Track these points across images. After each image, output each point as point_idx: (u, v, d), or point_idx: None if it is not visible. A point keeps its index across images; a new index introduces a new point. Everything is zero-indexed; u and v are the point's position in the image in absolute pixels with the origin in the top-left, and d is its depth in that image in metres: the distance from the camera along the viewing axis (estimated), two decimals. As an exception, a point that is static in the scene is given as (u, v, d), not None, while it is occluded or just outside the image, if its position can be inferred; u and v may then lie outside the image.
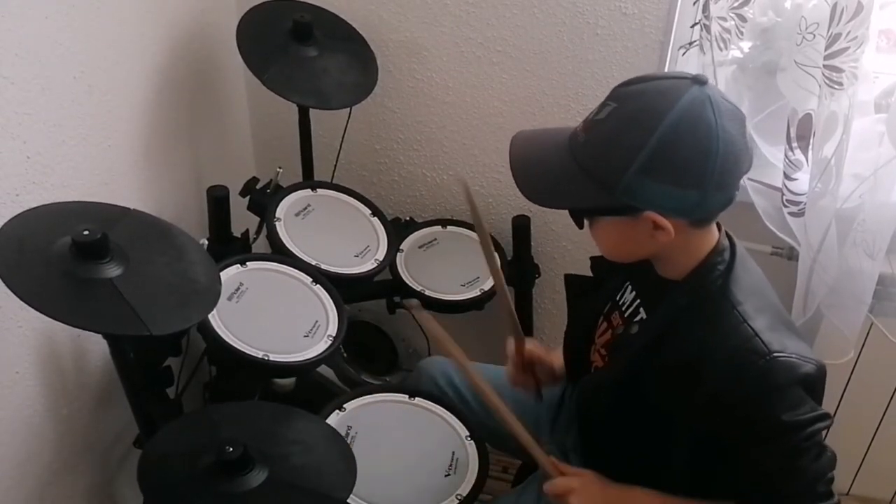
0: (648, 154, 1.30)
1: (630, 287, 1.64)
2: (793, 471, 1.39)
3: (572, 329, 1.81)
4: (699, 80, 1.33)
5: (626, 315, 1.62)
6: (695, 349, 1.41)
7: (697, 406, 1.40)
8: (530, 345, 1.83)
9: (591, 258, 1.75)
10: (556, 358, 1.86)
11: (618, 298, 1.66)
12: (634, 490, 1.57)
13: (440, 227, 2.45)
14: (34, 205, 1.54)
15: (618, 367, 1.58)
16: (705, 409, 1.39)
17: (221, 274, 1.81)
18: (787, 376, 1.36)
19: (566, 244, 2.49)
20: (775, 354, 1.36)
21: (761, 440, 1.39)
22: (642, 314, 1.58)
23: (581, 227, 1.48)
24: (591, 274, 1.78)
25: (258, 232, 2.21)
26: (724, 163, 1.32)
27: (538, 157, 1.44)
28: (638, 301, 1.60)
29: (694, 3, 2.00)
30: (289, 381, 2.04)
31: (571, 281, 1.83)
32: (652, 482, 1.54)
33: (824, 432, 1.41)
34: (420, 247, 2.37)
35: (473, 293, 2.23)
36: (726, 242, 1.48)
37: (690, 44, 2.05)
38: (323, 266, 2.03)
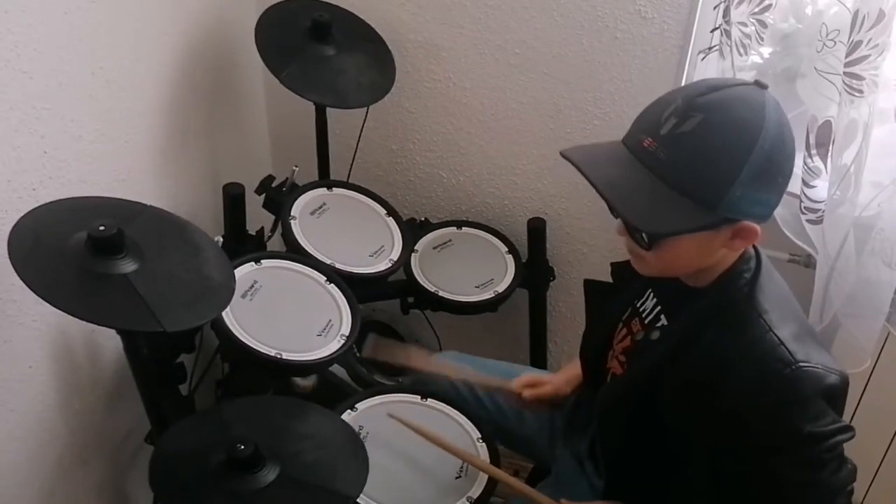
0: (754, 167, 1.27)
1: (651, 294, 1.63)
2: (813, 483, 1.38)
3: (590, 334, 1.80)
4: (762, 85, 1.33)
5: (646, 322, 1.61)
6: (719, 356, 1.40)
7: (719, 414, 1.38)
8: (526, 392, 1.88)
9: (612, 264, 1.74)
10: (561, 379, 1.89)
11: (638, 305, 1.65)
12: None
13: (455, 228, 2.44)
14: (51, 199, 1.55)
15: (638, 373, 1.57)
16: (727, 416, 1.38)
17: (236, 271, 1.81)
18: (812, 387, 1.35)
19: (581, 247, 2.48)
20: (801, 364, 1.34)
21: (783, 451, 1.37)
22: (663, 321, 1.57)
23: (649, 248, 1.39)
24: (608, 279, 1.77)
25: (273, 230, 2.22)
26: (794, 161, 1.35)
27: (618, 178, 1.33)
28: (659, 308, 1.59)
29: (714, 8, 1.99)
30: (309, 382, 2.04)
31: (591, 286, 1.82)
32: (669, 493, 1.53)
33: (844, 445, 1.40)
34: (435, 247, 2.37)
35: (487, 295, 2.23)
36: (752, 251, 1.46)
37: (710, 49, 2.05)
38: (337, 265, 2.03)
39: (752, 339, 1.38)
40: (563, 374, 1.90)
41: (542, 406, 1.88)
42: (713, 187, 1.28)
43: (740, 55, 1.93)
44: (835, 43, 1.82)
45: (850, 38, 1.73)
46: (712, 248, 1.38)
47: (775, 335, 1.37)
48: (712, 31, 2.02)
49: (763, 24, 1.92)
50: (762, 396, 1.35)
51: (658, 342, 1.55)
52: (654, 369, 1.50)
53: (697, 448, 1.45)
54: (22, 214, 1.46)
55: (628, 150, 1.35)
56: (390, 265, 2.13)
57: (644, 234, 1.38)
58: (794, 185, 1.98)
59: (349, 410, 1.83)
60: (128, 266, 1.45)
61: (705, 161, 1.28)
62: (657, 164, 1.30)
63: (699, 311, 1.46)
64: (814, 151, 1.93)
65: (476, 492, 1.72)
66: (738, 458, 1.40)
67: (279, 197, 2.16)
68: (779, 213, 2.02)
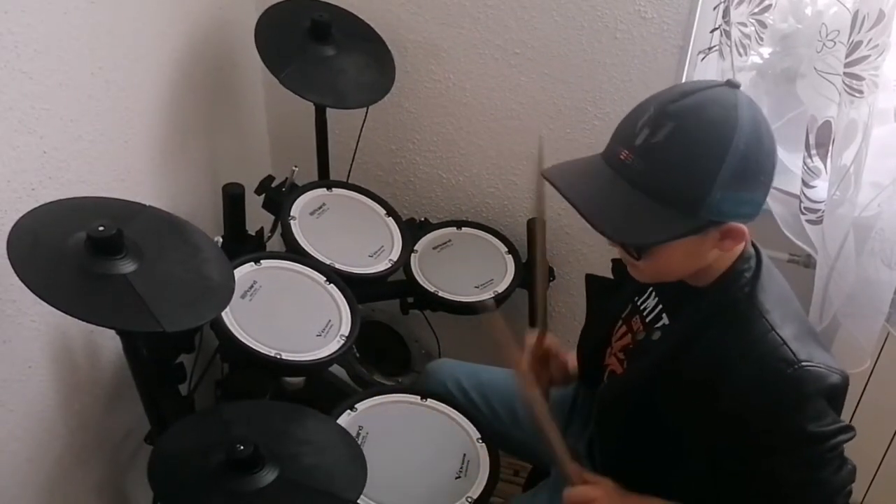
0: (731, 167, 1.27)
1: (653, 293, 1.63)
2: (813, 482, 1.38)
3: (589, 329, 1.80)
4: (734, 85, 1.33)
5: (647, 321, 1.61)
6: (720, 356, 1.40)
7: (720, 413, 1.38)
8: (549, 339, 1.81)
9: (613, 260, 1.74)
10: (571, 357, 1.86)
11: (639, 303, 1.65)
12: (653, 500, 1.55)
13: (455, 228, 2.45)
14: (50, 199, 1.55)
15: (638, 372, 1.57)
16: (729, 416, 1.38)
17: (235, 272, 1.81)
18: (814, 386, 1.35)
19: (581, 247, 2.48)
20: (803, 364, 1.35)
21: (784, 450, 1.37)
22: (665, 320, 1.56)
23: (639, 257, 1.41)
24: (610, 276, 1.77)
25: (273, 230, 2.22)
26: (776, 157, 1.35)
27: (597, 194, 1.34)
28: (661, 307, 1.59)
29: (714, 8, 1.99)
30: (298, 380, 2.04)
31: (592, 281, 1.82)
32: (668, 492, 1.52)
33: (845, 445, 1.40)
34: (434, 248, 2.37)
35: (487, 295, 2.23)
36: (752, 250, 1.46)
37: (710, 49, 2.04)
38: (337, 265, 2.03)
39: (754, 338, 1.38)
40: (573, 360, 1.88)
41: (544, 374, 1.79)
42: (692, 193, 1.29)
43: (740, 55, 1.92)
44: (834, 43, 1.82)
45: (849, 38, 1.73)
46: (702, 251, 1.39)
47: (778, 335, 1.37)
48: (712, 31, 2.02)
49: (763, 25, 1.92)
50: (764, 396, 1.35)
51: (659, 342, 1.55)
52: (654, 369, 1.50)
53: (697, 447, 1.44)
54: (21, 214, 1.46)
55: (607, 165, 1.36)
56: (390, 265, 2.13)
57: (631, 246, 1.40)
58: (794, 186, 1.98)
59: (349, 411, 1.83)
60: (127, 266, 1.44)
61: (681, 168, 1.29)
62: (635, 175, 1.31)
63: (700, 310, 1.46)
64: (813, 152, 1.93)
65: (476, 492, 1.72)
66: (738, 458, 1.40)
67: (279, 197, 2.17)
68: (778, 213, 2.02)
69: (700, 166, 1.28)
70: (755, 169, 1.31)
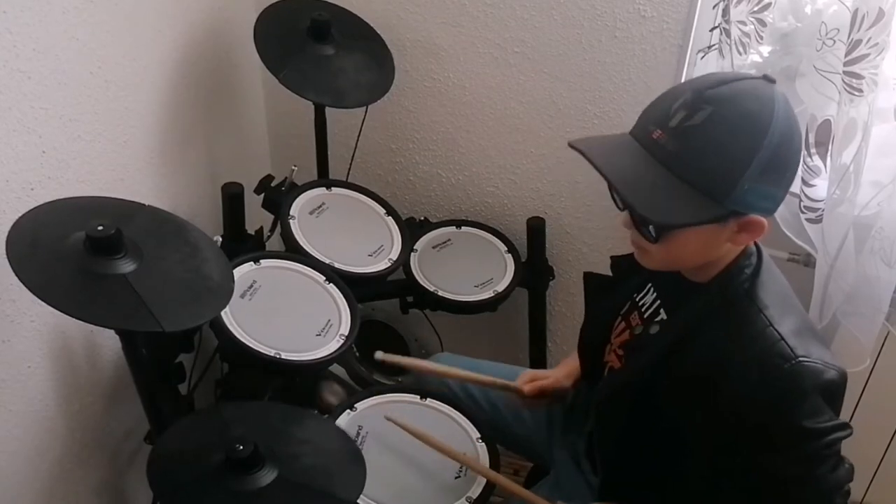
0: (763, 159, 1.27)
1: (651, 288, 1.63)
2: (810, 479, 1.38)
3: (588, 326, 1.80)
4: (771, 80, 1.33)
5: (645, 316, 1.61)
6: (718, 351, 1.40)
7: (718, 409, 1.38)
8: (528, 385, 1.86)
9: (612, 258, 1.74)
10: (560, 373, 1.89)
11: (637, 299, 1.65)
12: None
13: (454, 227, 2.44)
14: (49, 199, 1.55)
15: (636, 367, 1.57)
16: (727, 411, 1.38)
17: (235, 271, 1.81)
18: (812, 382, 1.35)
19: (581, 246, 2.48)
20: (801, 359, 1.34)
21: (781, 446, 1.37)
22: (663, 315, 1.57)
23: (656, 241, 1.39)
24: (608, 274, 1.77)
25: (272, 230, 2.21)
26: (801, 157, 1.37)
27: (628, 168, 1.33)
28: (659, 302, 1.59)
29: (713, 7, 1.99)
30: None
31: (590, 279, 1.82)
32: (665, 488, 1.53)
33: (842, 443, 1.39)
34: (434, 247, 2.37)
35: (486, 294, 2.22)
36: (753, 247, 1.46)
37: (709, 48, 2.04)
38: (336, 265, 2.02)
39: (753, 334, 1.38)
40: (563, 368, 1.90)
41: (543, 400, 1.87)
42: (722, 180, 1.29)
43: (740, 54, 1.92)
44: (834, 42, 1.82)
45: (849, 36, 1.73)
46: (718, 241, 1.38)
47: (776, 330, 1.37)
48: (711, 29, 2.02)
49: (762, 23, 1.92)
50: (762, 391, 1.35)
51: (657, 336, 1.55)
52: (652, 364, 1.50)
53: (695, 443, 1.44)
54: (20, 214, 1.46)
55: (637, 142, 1.35)
56: (389, 265, 2.12)
57: (651, 227, 1.39)
58: (794, 184, 1.97)
59: (348, 410, 1.83)
60: (126, 266, 1.44)
61: (715, 154, 1.28)
62: (666, 155, 1.31)
63: (699, 306, 1.46)
64: (813, 150, 1.93)
65: (475, 492, 1.72)
66: (736, 453, 1.40)
67: (278, 196, 2.16)
68: (778, 212, 2.00)
69: (734, 155, 1.28)
70: (783, 164, 1.32)
